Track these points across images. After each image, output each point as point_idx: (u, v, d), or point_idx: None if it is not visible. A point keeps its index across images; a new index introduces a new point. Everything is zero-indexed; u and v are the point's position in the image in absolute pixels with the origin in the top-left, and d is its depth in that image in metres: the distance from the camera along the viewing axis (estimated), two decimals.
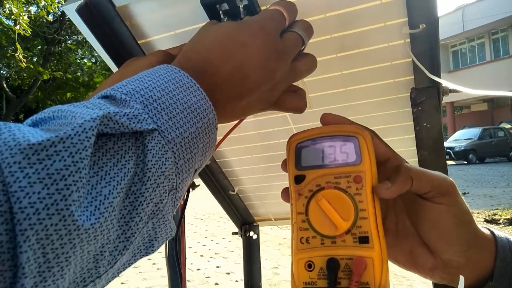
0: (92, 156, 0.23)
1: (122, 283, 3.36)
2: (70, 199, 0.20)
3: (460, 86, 0.52)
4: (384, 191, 0.35)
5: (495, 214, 5.10)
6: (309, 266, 0.35)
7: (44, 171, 0.20)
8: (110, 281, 0.26)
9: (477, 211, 5.36)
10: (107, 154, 0.24)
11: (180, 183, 0.28)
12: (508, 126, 15.75)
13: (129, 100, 0.26)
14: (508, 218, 4.84)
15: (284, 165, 0.40)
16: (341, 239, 0.35)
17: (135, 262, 0.28)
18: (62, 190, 0.20)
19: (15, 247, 0.18)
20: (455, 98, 18.32)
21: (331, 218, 0.35)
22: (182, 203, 0.50)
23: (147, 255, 0.29)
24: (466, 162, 14.08)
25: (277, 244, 4.30)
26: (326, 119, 0.40)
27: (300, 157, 0.39)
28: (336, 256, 0.35)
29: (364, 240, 0.34)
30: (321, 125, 0.40)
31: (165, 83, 0.29)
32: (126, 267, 0.27)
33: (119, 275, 0.27)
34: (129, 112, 0.25)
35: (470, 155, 14.17)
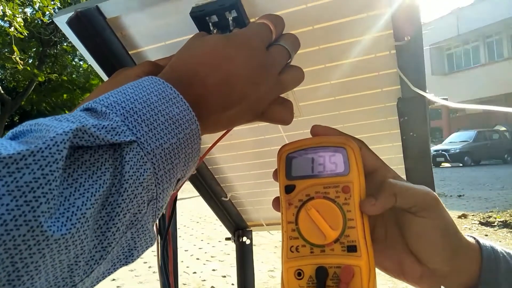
0: (67, 168, 0.24)
1: (118, 287, 3.35)
2: (38, 211, 0.21)
3: (443, 100, 0.53)
4: (369, 208, 0.36)
5: (489, 217, 5.13)
6: (299, 274, 0.36)
7: (13, 183, 0.20)
8: None
9: (472, 214, 5.39)
10: (83, 166, 0.25)
11: (160, 193, 0.29)
12: (503, 128, 15.85)
13: (109, 112, 0.27)
14: (503, 221, 4.86)
15: (275, 175, 0.41)
16: (329, 247, 0.36)
17: (115, 271, 0.28)
18: (31, 202, 0.21)
19: None
20: (450, 100, 18.36)
21: (320, 227, 0.36)
22: (169, 213, 0.51)
23: (127, 264, 0.29)
24: (461, 165, 14.14)
25: (273, 247, 4.31)
26: (316, 130, 0.41)
27: (290, 167, 0.39)
28: (325, 264, 0.36)
29: (352, 249, 0.35)
30: (311, 136, 0.41)
31: (148, 95, 0.29)
32: (106, 276, 0.28)
33: (98, 283, 0.28)
34: (108, 125, 0.26)
35: (465, 157, 14.24)
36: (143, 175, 0.27)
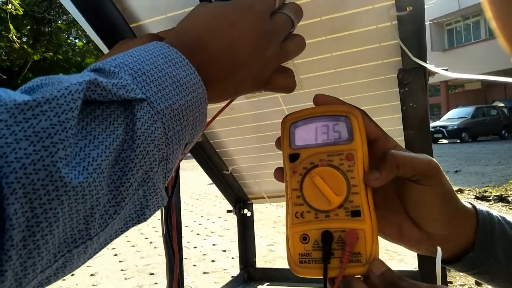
0: (80, 121, 0.24)
1: (120, 261, 3.42)
2: (56, 156, 0.21)
3: (444, 70, 0.54)
4: (373, 181, 0.37)
5: (485, 191, 5.20)
6: (304, 238, 0.38)
7: (30, 129, 0.20)
8: (102, 247, 0.27)
9: (468, 188, 5.45)
10: (96, 120, 0.25)
11: (170, 154, 0.29)
12: (501, 104, 15.83)
13: (118, 71, 0.27)
14: (498, 195, 4.93)
15: (278, 144, 0.42)
16: (334, 213, 0.37)
17: (127, 229, 0.29)
18: (48, 147, 0.21)
19: (2, 200, 0.19)
20: (449, 77, 18.24)
21: (325, 194, 0.37)
22: (172, 182, 0.52)
23: (139, 223, 0.30)
24: (459, 141, 14.20)
25: (272, 222, 4.37)
26: (319, 99, 0.41)
27: (294, 136, 0.40)
28: (330, 228, 0.37)
29: (356, 213, 0.37)
30: (313, 106, 0.41)
31: (154, 58, 0.30)
32: (119, 234, 0.28)
33: (112, 242, 0.28)
34: (118, 82, 0.26)
35: (463, 133, 14.29)
36: (154, 133, 0.27)
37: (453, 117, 15.33)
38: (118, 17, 0.60)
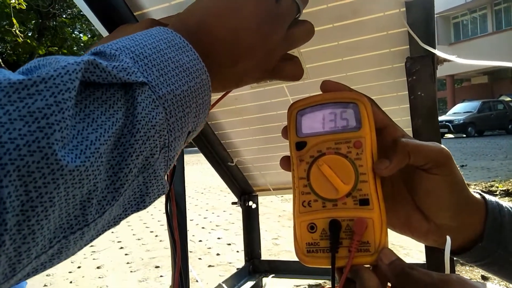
0: (78, 103, 0.23)
1: (126, 254, 3.45)
2: (52, 138, 0.20)
3: (453, 56, 0.53)
4: (384, 170, 0.36)
5: (491, 186, 5.16)
6: (312, 227, 0.37)
7: (25, 109, 0.20)
8: (100, 233, 0.26)
9: (474, 183, 5.42)
10: (95, 102, 0.24)
11: (172, 142, 0.28)
12: (508, 99, 15.68)
13: (119, 54, 0.26)
14: (505, 190, 4.90)
15: (285, 133, 0.41)
16: (342, 201, 0.36)
17: (126, 216, 0.28)
18: (44, 128, 0.20)
19: None
20: (455, 71, 18.14)
21: (332, 182, 0.37)
22: (171, 171, 0.51)
23: (138, 210, 0.29)
24: (464, 136, 14.11)
25: (276, 216, 4.38)
26: (326, 86, 0.40)
27: (301, 124, 0.39)
28: (338, 217, 0.36)
29: (364, 202, 0.36)
30: (321, 93, 0.40)
31: (157, 42, 0.29)
32: (117, 221, 0.27)
33: (111, 229, 0.27)
34: (119, 65, 0.25)
35: (469, 128, 14.18)
36: (155, 118, 0.26)
37: (459, 111, 15.21)
38: (122, 5, 0.59)
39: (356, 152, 0.37)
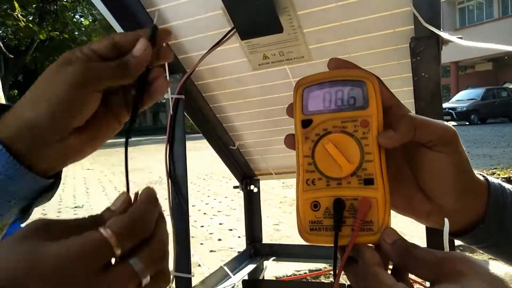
0: None
1: None
2: None
3: (454, 37, 0.52)
4: (387, 140, 0.36)
5: (493, 173, 5.17)
6: (315, 206, 0.37)
7: None
8: None
9: (476, 171, 5.43)
10: None
11: None
12: None
13: None
14: (507, 177, 4.91)
15: (290, 110, 0.40)
16: (346, 180, 0.36)
17: None
18: None
19: None
20: (459, 58, 17.95)
21: (338, 161, 0.36)
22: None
23: None
24: (467, 123, 14.05)
25: (278, 202, 4.40)
26: (334, 63, 0.39)
27: (307, 101, 0.39)
28: (342, 196, 0.36)
29: (369, 181, 0.36)
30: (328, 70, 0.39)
31: None
32: None
33: None
34: None
35: (472, 115, 14.11)
36: None
37: (462, 98, 15.12)
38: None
39: (362, 131, 0.36)
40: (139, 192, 0.32)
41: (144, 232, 0.29)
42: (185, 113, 0.80)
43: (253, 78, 0.80)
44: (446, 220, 0.38)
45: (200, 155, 7.97)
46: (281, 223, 3.62)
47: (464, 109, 14.21)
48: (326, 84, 0.38)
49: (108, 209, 0.31)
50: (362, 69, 0.39)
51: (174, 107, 0.76)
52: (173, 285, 0.72)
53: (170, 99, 0.75)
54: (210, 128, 0.95)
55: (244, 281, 0.63)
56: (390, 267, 0.36)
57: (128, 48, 0.37)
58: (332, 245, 0.35)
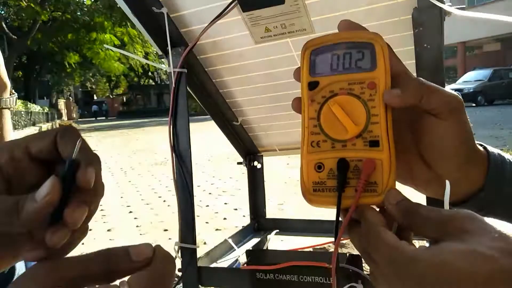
0: None
1: (135, 218, 3.54)
2: None
3: (458, 10, 0.52)
4: (393, 98, 0.36)
5: None
6: (319, 167, 0.37)
7: None
8: None
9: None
10: None
11: None
12: None
13: None
14: None
15: (297, 73, 0.40)
16: (351, 142, 0.36)
17: None
18: None
19: None
20: (467, 38, 17.62)
21: (343, 123, 0.36)
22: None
23: None
24: (474, 105, 13.91)
25: (282, 183, 4.43)
26: (345, 25, 0.39)
27: (314, 63, 0.38)
28: (346, 157, 0.36)
29: (374, 143, 0.35)
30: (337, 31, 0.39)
31: None
32: None
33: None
34: None
35: (479, 97, 13.96)
36: None
37: (469, 79, 14.93)
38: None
39: (369, 93, 0.36)
40: (157, 247, 0.30)
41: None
42: (188, 89, 0.80)
43: (255, 52, 0.80)
44: (447, 182, 0.39)
45: (203, 136, 7.99)
46: (285, 203, 3.65)
47: (471, 90, 14.05)
48: (334, 46, 0.38)
49: (128, 255, 0.29)
50: (371, 32, 0.38)
51: (177, 81, 0.76)
52: (179, 254, 0.74)
53: (172, 72, 0.75)
54: (213, 103, 0.96)
55: (247, 251, 0.65)
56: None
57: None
58: (335, 207, 0.35)
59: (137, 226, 3.29)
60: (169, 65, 0.76)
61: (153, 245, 0.30)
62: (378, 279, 0.33)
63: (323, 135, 0.37)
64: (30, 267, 0.28)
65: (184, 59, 0.75)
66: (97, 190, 0.30)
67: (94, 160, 0.30)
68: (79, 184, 0.28)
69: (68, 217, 0.28)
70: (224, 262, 0.87)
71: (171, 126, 0.76)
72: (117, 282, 0.28)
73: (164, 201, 4.08)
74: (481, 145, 0.48)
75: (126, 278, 0.28)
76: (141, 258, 0.29)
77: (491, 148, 0.49)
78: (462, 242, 0.29)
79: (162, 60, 0.81)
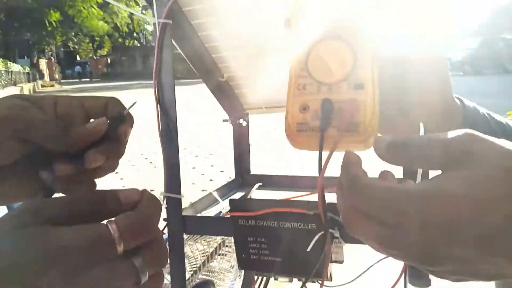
0: None
1: (121, 179, 3.56)
2: None
3: None
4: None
5: None
6: (304, 108, 0.38)
7: None
8: None
9: None
10: None
11: None
12: (509, 37, 15.34)
13: None
14: None
15: (288, 23, 0.40)
16: (337, 85, 0.37)
17: None
18: None
19: None
20: None
21: (330, 66, 0.37)
22: None
23: None
24: (462, 73, 14.00)
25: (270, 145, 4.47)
26: None
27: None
28: (331, 99, 0.37)
29: (359, 86, 0.36)
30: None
31: None
32: None
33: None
34: None
35: (466, 66, 14.04)
36: None
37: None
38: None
39: (357, 38, 0.37)
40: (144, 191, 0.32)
41: (149, 235, 0.30)
42: (173, 42, 0.79)
43: (240, 3, 0.78)
44: (421, 124, 0.40)
45: (190, 101, 7.91)
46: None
47: (459, 59, 14.10)
48: None
49: (116, 197, 0.31)
50: None
51: (161, 33, 0.75)
52: (164, 203, 0.76)
53: (156, 23, 0.74)
54: (199, 58, 0.95)
55: (231, 200, 0.67)
56: None
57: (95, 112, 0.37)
58: (318, 149, 0.36)
59: (123, 187, 3.31)
60: (153, 15, 0.74)
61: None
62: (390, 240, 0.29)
63: (310, 78, 0.38)
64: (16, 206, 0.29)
65: (169, 10, 0.74)
66: (124, 145, 0.38)
67: (132, 125, 0.38)
68: (119, 133, 0.36)
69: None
70: (208, 214, 0.89)
71: (156, 80, 0.76)
72: (104, 222, 0.29)
73: (151, 162, 4.09)
74: (457, 98, 0.50)
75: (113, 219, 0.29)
76: (129, 201, 0.31)
77: (467, 102, 0.51)
78: (466, 169, 0.27)
79: (147, 11, 0.79)
